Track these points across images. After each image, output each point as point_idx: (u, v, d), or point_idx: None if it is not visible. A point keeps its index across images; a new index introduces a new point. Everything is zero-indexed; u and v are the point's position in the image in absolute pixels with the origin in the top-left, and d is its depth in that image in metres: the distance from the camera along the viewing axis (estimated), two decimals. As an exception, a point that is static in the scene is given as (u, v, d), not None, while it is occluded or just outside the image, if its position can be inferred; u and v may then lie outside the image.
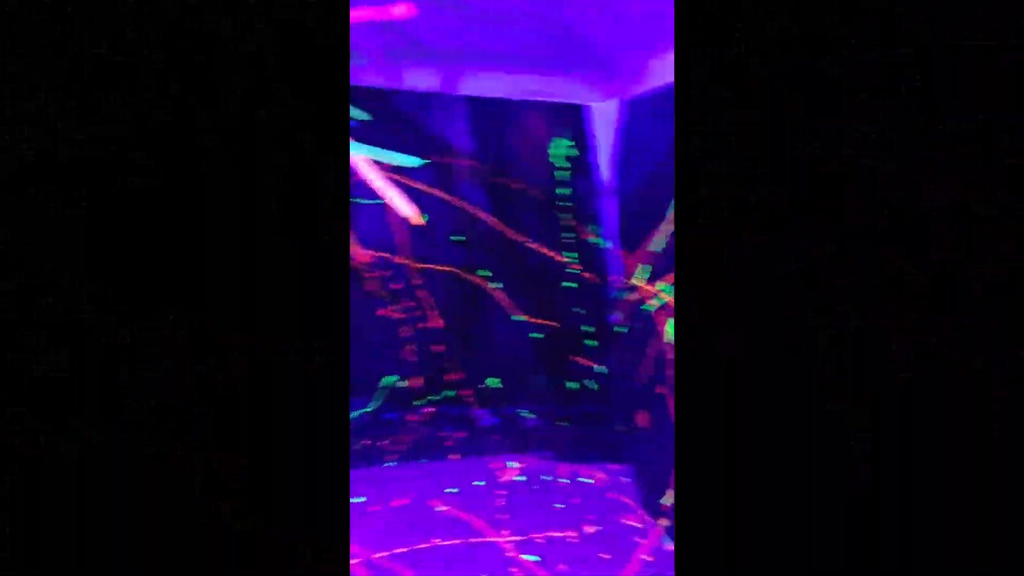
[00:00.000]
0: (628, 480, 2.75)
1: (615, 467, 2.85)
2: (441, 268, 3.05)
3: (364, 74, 2.60)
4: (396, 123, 2.87)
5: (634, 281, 2.94)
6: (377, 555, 2.03)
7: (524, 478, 2.73)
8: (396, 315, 2.88)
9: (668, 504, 2.34)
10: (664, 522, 2.34)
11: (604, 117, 3.22)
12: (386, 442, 2.80)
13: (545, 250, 3.20)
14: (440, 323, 3.05)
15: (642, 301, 2.87)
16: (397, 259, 2.88)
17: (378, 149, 2.76)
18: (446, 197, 3.04)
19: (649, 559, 2.16)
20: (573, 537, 2.28)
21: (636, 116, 3.05)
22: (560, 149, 3.18)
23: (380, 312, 2.83)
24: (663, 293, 2.69)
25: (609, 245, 3.25)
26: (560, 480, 2.74)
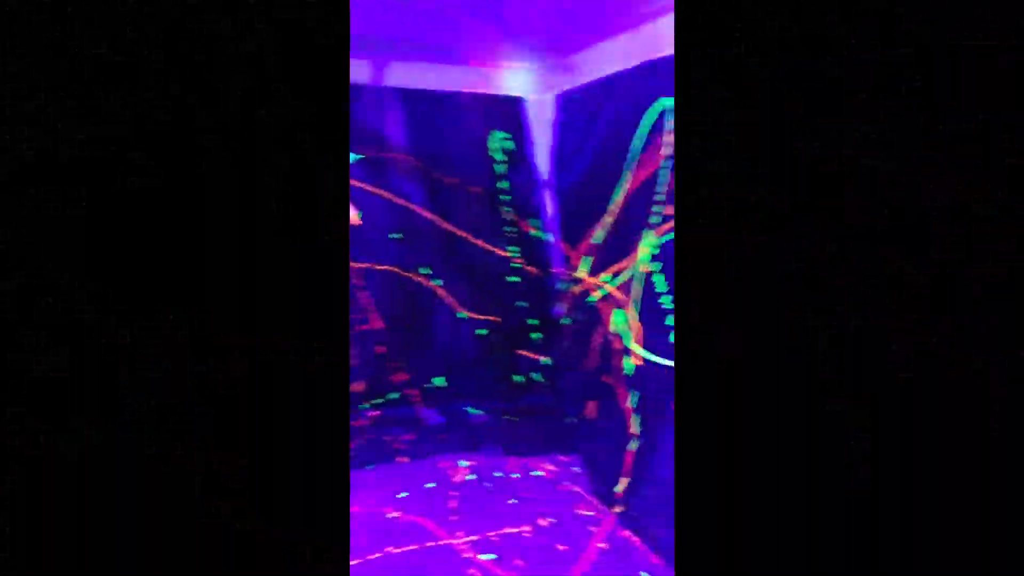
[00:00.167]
0: (579, 470, 2.75)
1: (565, 458, 2.84)
2: (380, 268, 3.01)
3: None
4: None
5: (578, 274, 2.93)
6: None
7: (475, 476, 2.71)
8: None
9: (620, 492, 2.34)
10: (618, 509, 2.33)
11: (539, 111, 3.18)
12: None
13: (487, 245, 3.16)
14: (381, 324, 3.01)
15: (587, 293, 2.86)
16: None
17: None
18: (383, 194, 3.00)
19: (605, 547, 2.15)
20: (528, 532, 2.27)
21: (571, 110, 3.03)
22: (496, 142, 3.13)
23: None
24: (607, 284, 2.68)
25: (551, 238, 3.22)
26: (511, 475, 2.72)
